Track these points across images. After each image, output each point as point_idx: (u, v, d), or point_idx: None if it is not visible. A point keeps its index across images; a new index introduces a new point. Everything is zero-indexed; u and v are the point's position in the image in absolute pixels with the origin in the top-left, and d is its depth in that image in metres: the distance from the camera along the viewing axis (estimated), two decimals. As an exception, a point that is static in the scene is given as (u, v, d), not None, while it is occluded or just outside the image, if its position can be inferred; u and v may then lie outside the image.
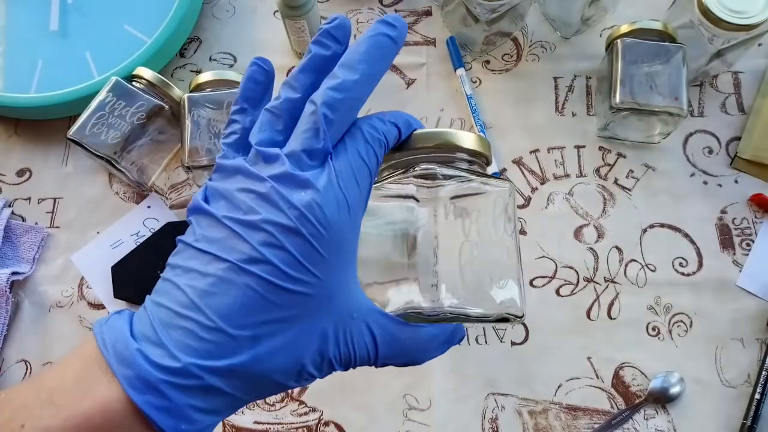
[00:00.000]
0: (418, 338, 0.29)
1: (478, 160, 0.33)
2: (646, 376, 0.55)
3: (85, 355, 0.25)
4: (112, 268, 0.60)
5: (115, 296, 0.59)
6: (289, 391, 0.56)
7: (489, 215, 0.32)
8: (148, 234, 0.62)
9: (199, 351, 0.24)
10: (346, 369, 0.28)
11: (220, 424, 0.55)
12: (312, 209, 0.24)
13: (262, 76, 0.30)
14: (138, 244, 0.61)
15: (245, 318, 0.24)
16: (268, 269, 0.24)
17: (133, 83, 0.60)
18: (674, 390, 0.54)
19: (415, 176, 0.31)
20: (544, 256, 0.59)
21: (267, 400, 0.55)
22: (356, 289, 0.27)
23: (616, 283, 0.58)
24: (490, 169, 0.62)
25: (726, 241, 0.59)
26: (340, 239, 0.25)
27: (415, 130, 0.31)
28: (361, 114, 0.29)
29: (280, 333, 0.25)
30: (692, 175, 0.61)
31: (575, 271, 0.58)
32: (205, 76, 0.60)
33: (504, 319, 0.32)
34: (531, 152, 0.63)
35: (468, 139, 0.32)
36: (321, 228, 0.25)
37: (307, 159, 0.26)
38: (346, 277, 0.26)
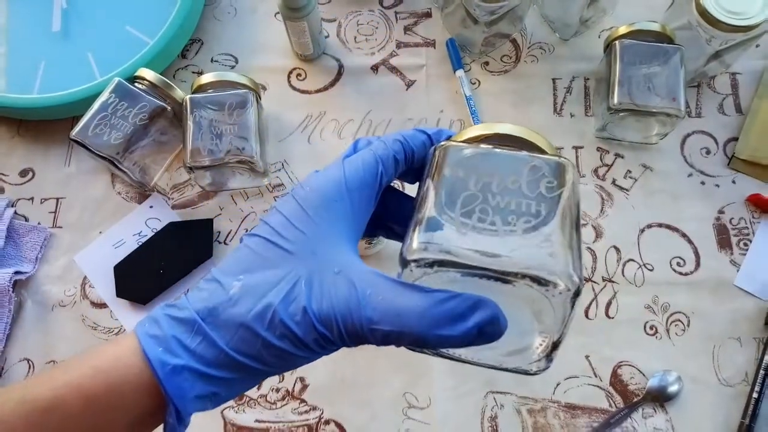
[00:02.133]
0: (415, 301, 0.25)
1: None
2: (644, 374, 0.55)
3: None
4: (115, 267, 0.60)
5: (118, 296, 0.60)
6: (290, 389, 0.56)
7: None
8: (151, 234, 0.62)
9: (196, 296, 0.28)
10: (335, 335, 0.26)
11: (222, 422, 0.55)
12: (307, 180, 0.30)
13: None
14: (140, 244, 0.61)
15: (235, 269, 0.28)
16: (266, 229, 0.29)
17: (136, 84, 0.61)
18: (672, 389, 0.54)
19: None
20: (542, 256, 0.59)
21: (268, 398, 0.56)
22: (348, 250, 0.28)
23: (614, 282, 0.58)
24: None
25: (723, 240, 0.59)
26: (328, 201, 0.29)
27: (451, 136, 0.33)
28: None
29: (255, 278, 0.27)
30: (690, 175, 0.62)
31: (574, 270, 0.59)
32: (206, 78, 0.60)
33: (540, 282, 0.25)
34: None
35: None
36: (309, 190, 0.29)
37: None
38: (334, 237, 0.28)
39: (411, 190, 0.33)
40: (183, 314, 0.27)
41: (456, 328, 0.25)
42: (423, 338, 0.25)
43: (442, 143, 0.31)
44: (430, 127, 0.34)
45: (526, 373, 0.30)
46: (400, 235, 0.32)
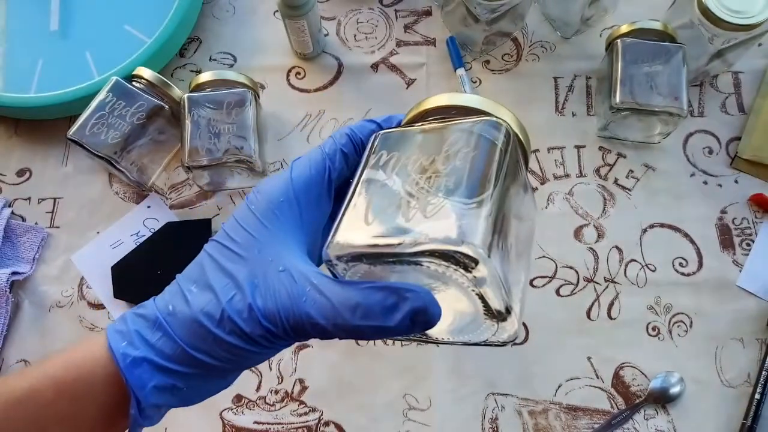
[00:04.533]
0: (349, 297, 0.26)
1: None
2: (646, 376, 0.55)
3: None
4: (112, 268, 0.60)
5: (115, 296, 0.59)
6: (289, 390, 0.56)
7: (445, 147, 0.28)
8: (148, 234, 0.62)
9: (160, 298, 0.30)
10: (279, 329, 0.27)
11: (221, 424, 0.55)
12: (258, 186, 0.31)
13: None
14: (138, 244, 0.61)
15: (192, 271, 0.30)
16: (221, 234, 0.30)
17: (133, 83, 0.60)
18: (674, 390, 0.54)
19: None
20: (544, 256, 0.59)
21: (267, 399, 0.55)
22: (294, 250, 0.29)
23: (616, 283, 0.58)
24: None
25: (726, 241, 0.59)
26: (275, 202, 0.30)
27: (401, 121, 0.33)
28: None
29: (208, 279, 0.29)
30: (692, 175, 0.61)
31: (575, 271, 0.58)
32: (205, 76, 0.60)
33: (452, 258, 0.25)
34: (531, 152, 0.63)
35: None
36: (258, 195, 0.31)
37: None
38: (282, 238, 0.29)
39: None
40: (146, 311, 0.29)
41: (388, 318, 0.25)
42: (359, 331, 0.26)
43: (376, 133, 0.32)
44: (401, 115, 0.34)
45: (497, 344, 0.30)
46: None
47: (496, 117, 0.30)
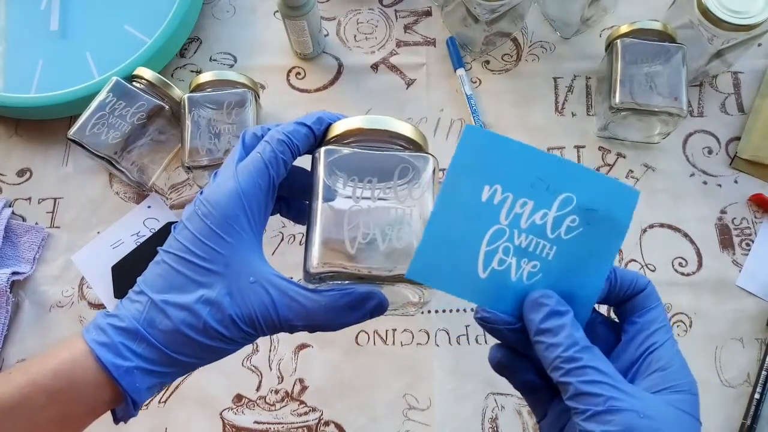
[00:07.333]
0: (319, 301, 0.32)
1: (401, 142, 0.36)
2: (645, 375, 0.55)
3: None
4: (113, 268, 0.60)
5: (116, 296, 0.59)
6: (289, 390, 0.56)
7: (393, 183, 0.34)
8: (149, 234, 0.62)
9: (132, 308, 0.32)
10: (258, 331, 0.32)
11: (221, 423, 0.55)
12: (206, 196, 0.33)
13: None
14: (138, 244, 0.61)
15: (160, 284, 0.32)
16: (179, 246, 0.32)
17: (134, 83, 0.60)
18: (674, 390, 0.54)
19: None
20: (543, 256, 0.59)
21: (267, 399, 0.55)
22: (257, 259, 0.33)
23: (615, 283, 0.58)
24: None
25: (726, 241, 0.59)
26: (232, 216, 0.32)
27: (330, 123, 0.36)
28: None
29: (181, 294, 0.32)
30: (692, 175, 0.62)
31: (575, 271, 0.58)
32: (205, 76, 0.60)
33: (405, 280, 0.32)
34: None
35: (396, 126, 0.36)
36: (210, 207, 0.32)
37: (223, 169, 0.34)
38: (243, 248, 0.32)
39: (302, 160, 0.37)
40: (125, 324, 0.32)
41: (353, 315, 0.32)
42: (328, 326, 0.33)
43: (319, 150, 0.35)
44: (328, 113, 0.36)
45: (408, 315, 0.42)
46: (295, 212, 0.40)
47: (431, 154, 0.35)
